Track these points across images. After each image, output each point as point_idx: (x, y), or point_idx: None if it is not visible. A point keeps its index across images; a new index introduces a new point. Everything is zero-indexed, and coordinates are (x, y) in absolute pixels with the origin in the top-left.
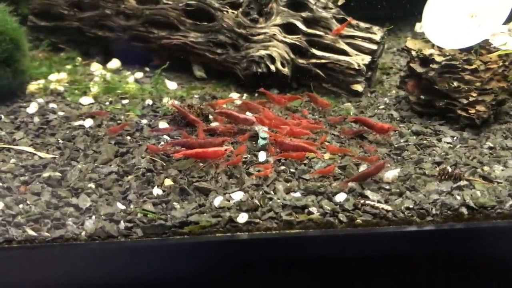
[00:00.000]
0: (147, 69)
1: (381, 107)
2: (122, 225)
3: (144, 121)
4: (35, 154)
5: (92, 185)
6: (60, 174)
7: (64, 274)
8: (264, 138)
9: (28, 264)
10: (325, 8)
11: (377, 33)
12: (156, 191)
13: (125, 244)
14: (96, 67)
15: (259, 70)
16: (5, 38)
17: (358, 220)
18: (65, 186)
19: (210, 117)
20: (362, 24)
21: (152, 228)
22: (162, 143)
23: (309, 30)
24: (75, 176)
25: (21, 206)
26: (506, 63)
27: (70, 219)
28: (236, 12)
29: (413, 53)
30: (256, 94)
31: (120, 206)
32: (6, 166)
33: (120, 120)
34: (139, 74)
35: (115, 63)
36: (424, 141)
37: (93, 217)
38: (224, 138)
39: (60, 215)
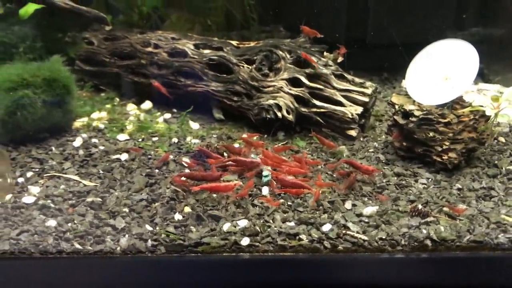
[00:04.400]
0: (175, 110)
1: (370, 150)
2: (149, 243)
3: (170, 157)
4: (80, 182)
5: (126, 209)
6: (101, 200)
7: (102, 281)
8: (266, 176)
9: (74, 272)
10: (325, 65)
11: (369, 88)
12: (177, 216)
13: (151, 259)
14: (131, 107)
15: (268, 116)
16: (59, 85)
17: (339, 247)
18: (105, 210)
19: (225, 154)
20: (357, 80)
21: (173, 247)
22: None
23: (311, 84)
24: (112, 202)
25: (69, 224)
26: (476, 117)
27: (108, 237)
28: (250, 67)
29: (397, 107)
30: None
31: (148, 227)
32: (57, 191)
33: (150, 155)
34: (167, 115)
35: (147, 104)
36: (403, 182)
37: (127, 235)
38: (221, 172)
39: (100, 233)
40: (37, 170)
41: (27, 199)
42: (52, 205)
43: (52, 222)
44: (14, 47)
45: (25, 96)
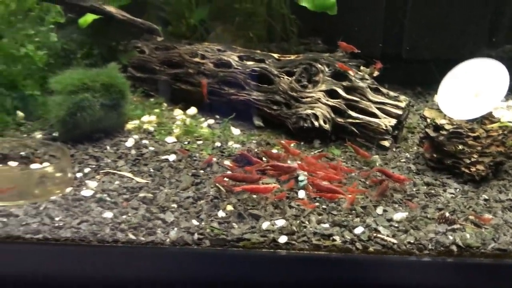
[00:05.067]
0: (217, 116)
1: (402, 160)
2: (195, 236)
3: (214, 159)
4: (133, 179)
5: (174, 205)
6: (152, 195)
7: (152, 269)
8: (302, 180)
9: (128, 260)
10: (362, 79)
11: (403, 101)
12: (221, 213)
13: (197, 251)
14: (178, 113)
15: (305, 125)
16: (115, 90)
17: (370, 249)
18: (155, 205)
19: (264, 159)
20: (391, 93)
21: (216, 241)
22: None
23: (348, 96)
24: (162, 198)
25: (124, 216)
26: (505, 132)
27: (159, 229)
28: (290, 79)
29: (428, 120)
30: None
31: (195, 222)
32: (112, 186)
33: (195, 157)
34: (211, 121)
35: (192, 110)
36: (432, 191)
37: (175, 229)
38: (260, 176)
39: (152, 225)
40: (93, 166)
41: (86, 192)
42: (108, 199)
43: (108, 214)
44: (72, 53)
45: (85, 99)
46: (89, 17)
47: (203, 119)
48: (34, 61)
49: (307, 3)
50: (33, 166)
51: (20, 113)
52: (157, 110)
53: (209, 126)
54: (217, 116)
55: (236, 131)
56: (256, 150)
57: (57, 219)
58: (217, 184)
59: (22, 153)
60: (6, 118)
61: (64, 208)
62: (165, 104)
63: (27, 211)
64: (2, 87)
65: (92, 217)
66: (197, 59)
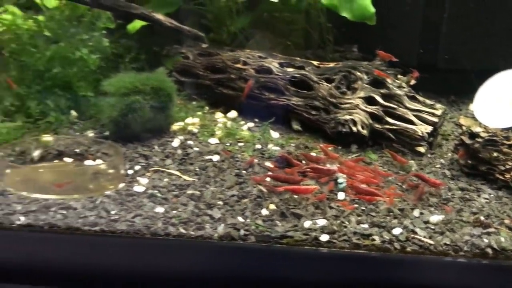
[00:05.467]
0: (257, 120)
1: (437, 166)
2: (241, 232)
3: (255, 161)
4: (181, 177)
5: (220, 202)
6: (199, 193)
7: (200, 261)
8: (341, 183)
9: (178, 252)
10: (399, 87)
11: (439, 109)
12: (264, 211)
13: (243, 246)
14: (219, 115)
15: (344, 130)
16: (164, 93)
17: (408, 249)
18: (203, 201)
19: (303, 161)
20: (428, 101)
21: (261, 237)
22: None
23: (385, 103)
24: (209, 195)
25: (174, 212)
26: None
27: (207, 224)
28: (329, 85)
29: (464, 128)
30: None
31: (240, 219)
32: (162, 183)
33: (237, 158)
34: (251, 124)
35: (233, 113)
36: (467, 196)
37: (222, 224)
38: (302, 178)
39: (201, 220)
40: (143, 164)
41: (138, 188)
42: (159, 195)
43: (160, 209)
44: (120, 57)
45: (136, 101)
46: (137, 24)
47: (243, 122)
48: (88, 64)
49: (347, 13)
50: (87, 162)
51: (73, 113)
52: (199, 113)
53: (249, 129)
54: (256, 120)
55: (275, 134)
56: (296, 153)
57: (112, 212)
58: (258, 184)
59: (77, 150)
60: (61, 117)
61: (119, 203)
62: (206, 107)
63: (84, 204)
64: (58, 88)
65: (145, 211)
66: (239, 65)
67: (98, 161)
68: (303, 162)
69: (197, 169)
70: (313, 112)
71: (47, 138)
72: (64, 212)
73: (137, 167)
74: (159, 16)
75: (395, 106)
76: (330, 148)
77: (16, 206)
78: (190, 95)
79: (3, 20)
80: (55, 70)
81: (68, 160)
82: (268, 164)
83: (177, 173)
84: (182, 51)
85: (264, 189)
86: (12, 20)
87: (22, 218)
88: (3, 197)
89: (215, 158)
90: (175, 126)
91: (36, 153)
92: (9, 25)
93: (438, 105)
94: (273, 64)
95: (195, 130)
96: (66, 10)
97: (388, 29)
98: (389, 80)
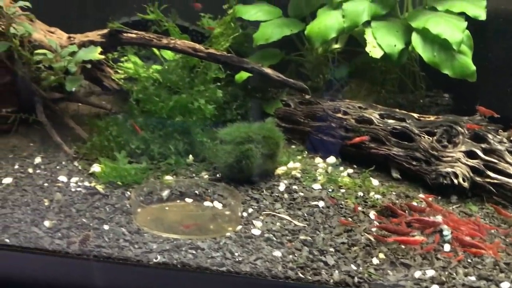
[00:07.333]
0: (355, 166)
1: None
2: (355, 279)
3: (359, 208)
4: (292, 222)
5: (332, 249)
6: (311, 238)
7: None
8: (446, 235)
9: None
10: (500, 142)
11: None
12: (375, 260)
13: None
14: (318, 161)
15: (445, 181)
16: (273, 142)
17: None
18: (315, 247)
19: (406, 211)
20: None
21: (375, 285)
22: (374, 228)
23: (486, 157)
24: (320, 241)
25: (290, 256)
26: None
27: (323, 270)
28: (431, 138)
29: None
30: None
31: (353, 267)
32: (275, 227)
33: (341, 205)
34: (350, 170)
35: (332, 159)
36: None
37: (337, 271)
38: (411, 229)
39: (316, 266)
40: (255, 207)
41: (255, 231)
42: (274, 239)
43: (277, 253)
44: (227, 104)
45: (249, 149)
46: (244, 75)
47: (342, 168)
48: (204, 113)
49: (448, 70)
50: (205, 203)
51: (191, 156)
52: (299, 157)
53: (348, 175)
54: (355, 166)
55: (375, 181)
56: (400, 203)
57: (236, 254)
58: (366, 233)
59: (196, 191)
60: (180, 159)
61: (240, 245)
62: (306, 152)
63: (210, 245)
64: (177, 133)
65: (265, 254)
66: (339, 115)
67: (216, 203)
68: (406, 212)
69: (305, 215)
70: (414, 163)
71: (169, 179)
72: (194, 252)
73: (250, 210)
74: (268, 70)
75: (495, 161)
76: (430, 199)
77: (152, 245)
78: (290, 139)
79: (127, 68)
80: (177, 118)
81: (188, 200)
82: (373, 212)
83: (288, 218)
84: (284, 99)
85: (372, 238)
86: (135, 69)
87: (159, 257)
88: (139, 236)
89: (321, 204)
90: (279, 170)
91: (165, 193)
92: (132, 74)
93: None
94: (374, 115)
95: (298, 175)
96: (181, 60)
97: (487, 84)
98: (490, 136)
